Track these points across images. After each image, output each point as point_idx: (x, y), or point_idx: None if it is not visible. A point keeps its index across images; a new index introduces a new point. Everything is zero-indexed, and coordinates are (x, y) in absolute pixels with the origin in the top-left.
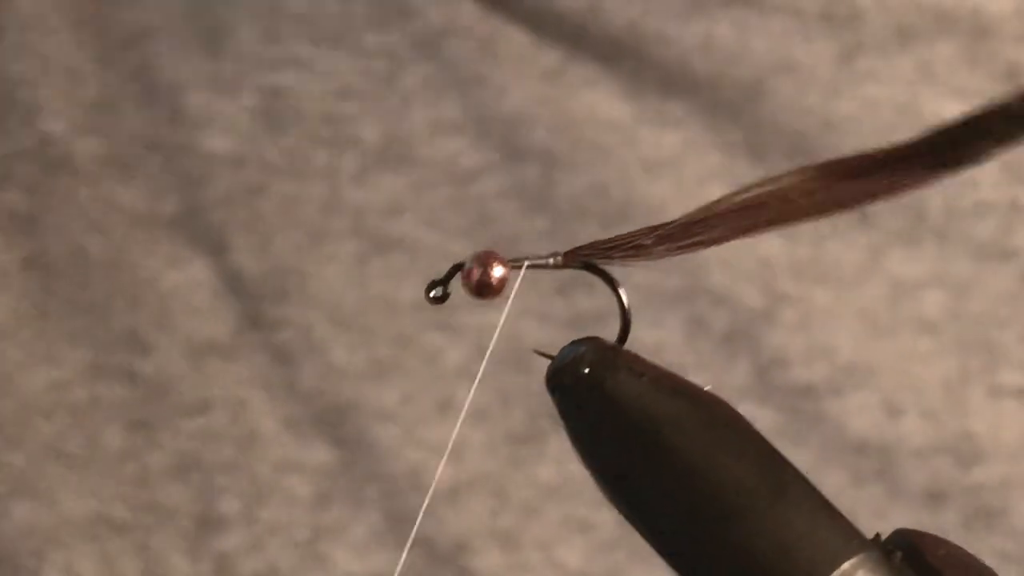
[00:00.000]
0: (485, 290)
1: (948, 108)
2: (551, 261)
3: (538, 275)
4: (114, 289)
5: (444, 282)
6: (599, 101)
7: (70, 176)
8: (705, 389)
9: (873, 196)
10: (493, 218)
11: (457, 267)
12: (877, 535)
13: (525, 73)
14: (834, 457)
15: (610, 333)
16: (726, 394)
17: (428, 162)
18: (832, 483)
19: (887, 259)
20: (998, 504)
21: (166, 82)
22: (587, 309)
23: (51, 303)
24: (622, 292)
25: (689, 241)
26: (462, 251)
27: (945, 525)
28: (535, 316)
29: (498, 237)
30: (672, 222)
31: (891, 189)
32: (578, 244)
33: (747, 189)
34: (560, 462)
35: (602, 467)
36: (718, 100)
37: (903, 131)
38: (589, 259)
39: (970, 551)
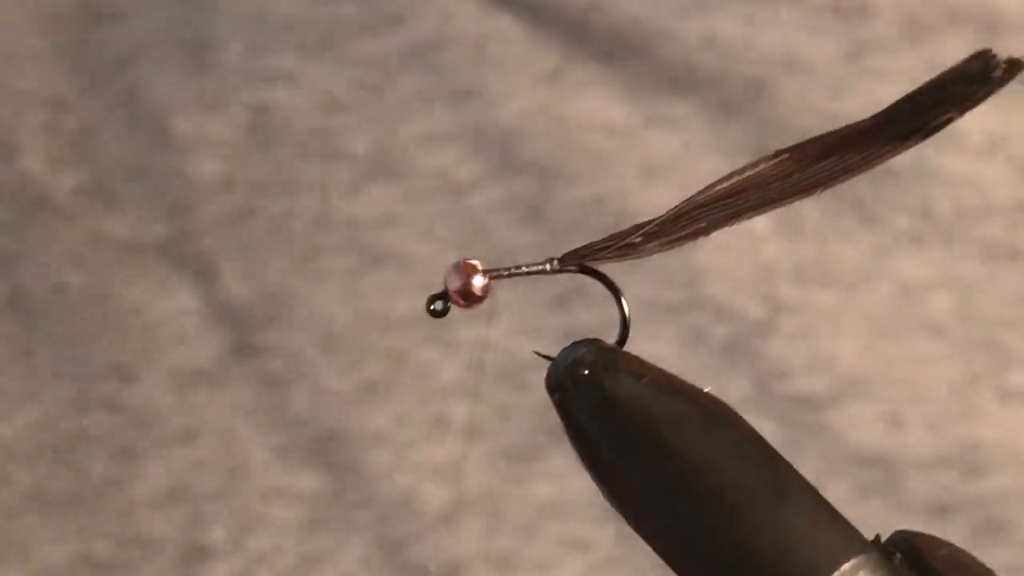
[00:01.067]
0: (467, 298)
1: None
2: (547, 267)
3: (533, 288)
4: (98, 322)
5: (444, 296)
6: (598, 103)
7: (50, 214)
8: (705, 391)
9: (848, 172)
10: (488, 230)
11: None
12: (877, 536)
13: (521, 80)
14: (836, 469)
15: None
16: None
17: (421, 174)
18: (834, 495)
19: (893, 260)
20: (1004, 516)
21: (152, 106)
22: (584, 323)
23: (34, 342)
24: (621, 293)
25: (677, 235)
26: None
27: (950, 538)
28: (531, 330)
29: (493, 250)
30: (658, 218)
31: (864, 163)
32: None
33: (727, 178)
34: (558, 479)
35: (601, 469)
36: (721, 98)
37: None
38: (583, 262)
39: None
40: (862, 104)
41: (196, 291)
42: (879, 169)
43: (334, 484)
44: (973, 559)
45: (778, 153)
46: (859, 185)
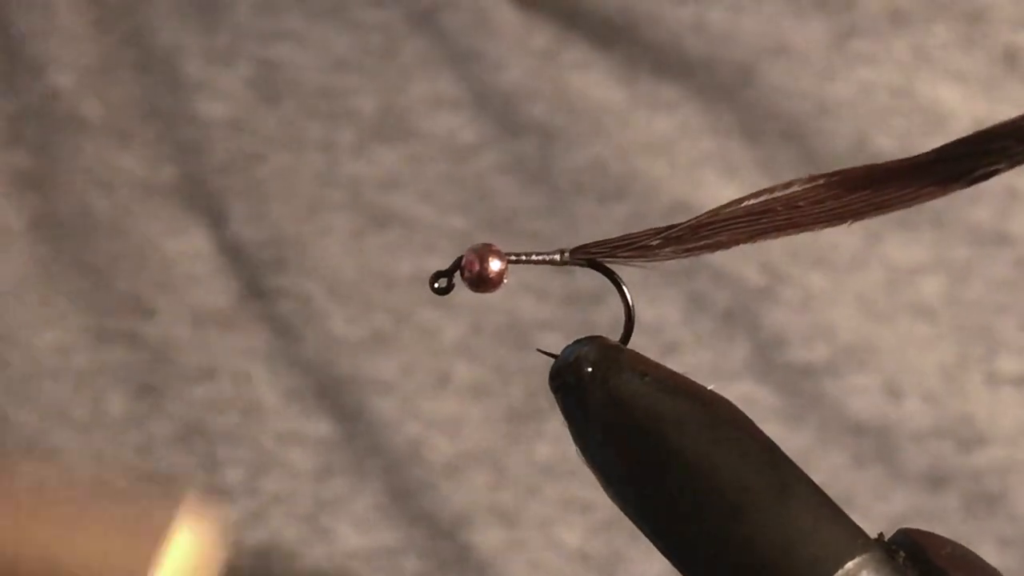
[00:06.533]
0: (482, 283)
1: (943, 91)
2: (557, 258)
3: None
4: (118, 252)
5: (448, 273)
6: (592, 84)
7: (76, 133)
8: (709, 388)
9: (882, 207)
10: (491, 193)
11: (461, 259)
12: (880, 535)
13: (522, 48)
14: (834, 438)
15: (607, 312)
16: (725, 373)
17: (425, 136)
18: (832, 464)
19: (884, 244)
20: (998, 488)
21: (162, 50)
22: (585, 286)
23: (57, 264)
24: (627, 292)
25: (695, 244)
26: (460, 226)
27: (947, 509)
28: (533, 292)
29: (496, 212)
30: (679, 224)
31: (901, 201)
32: (576, 220)
33: (756, 195)
34: (559, 441)
35: (605, 466)
36: (711, 83)
37: (898, 114)
38: (594, 258)
39: (972, 536)
40: (849, 89)
41: (207, 232)
42: (868, 153)
43: (345, 430)
44: (975, 556)
45: (813, 178)
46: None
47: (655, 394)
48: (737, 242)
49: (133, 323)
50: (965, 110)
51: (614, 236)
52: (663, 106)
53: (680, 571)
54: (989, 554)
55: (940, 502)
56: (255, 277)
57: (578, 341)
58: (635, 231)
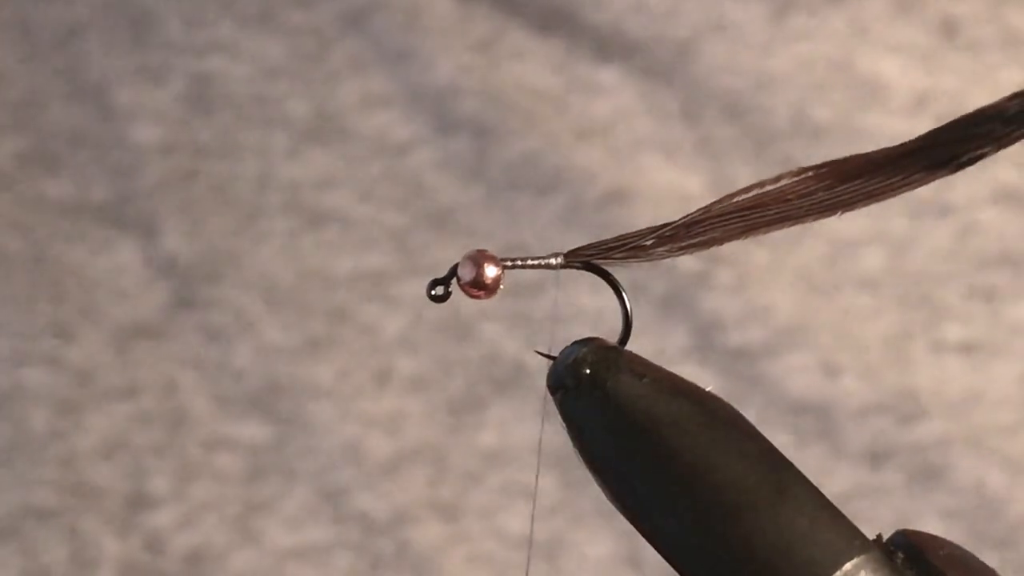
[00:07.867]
0: (479, 289)
1: (883, 64)
2: (552, 261)
3: (484, 244)
4: (38, 284)
5: (445, 281)
6: (529, 72)
7: None
8: (707, 390)
9: (871, 196)
10: (428, 190)
11: (457, 266)
12: (879, 536)
13: (454, 43)
14: (776, 418)
15: (546, 303)
16: (667, 358)
17: (360, 136)
18: (775, 444)
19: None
20: (940, 462)
21: (93, 78)
22: (533, 277)
23: None
24: (625, 293)
25: (689, 242)
26: (397, 223)
27: (889, 484)
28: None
29: (433, 208)
30: (672, 223)
31: (890, 189)
32: (514, 214)
33: (746, 190)
34: (500, 428)
35: (603, 468)
36: (650, 64)
37: (836, 88)
38: (590, 260)
39: (915, 510)
40: (789, 64)
41: (137, 248)
42: (807, 127)
43: (277, 434)
44: (973, 557)
45: (802, 170)
46: (787, 143)
47: (653, 395)
48: (730, 238)
49: (55, 345)
50: (904, 82)
51: (608, 237)
52: (600, 90)
53: (677, 572)
54: (933, 527)
55: (883, 478)
56: (186, 288)
57: (576, 342)
58: (628, 231)
